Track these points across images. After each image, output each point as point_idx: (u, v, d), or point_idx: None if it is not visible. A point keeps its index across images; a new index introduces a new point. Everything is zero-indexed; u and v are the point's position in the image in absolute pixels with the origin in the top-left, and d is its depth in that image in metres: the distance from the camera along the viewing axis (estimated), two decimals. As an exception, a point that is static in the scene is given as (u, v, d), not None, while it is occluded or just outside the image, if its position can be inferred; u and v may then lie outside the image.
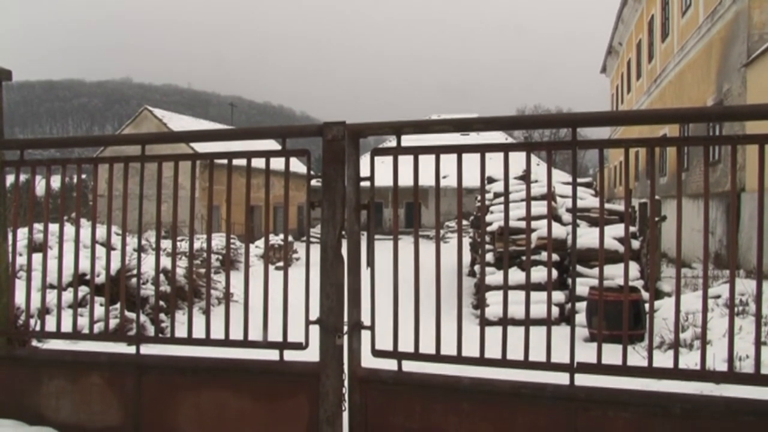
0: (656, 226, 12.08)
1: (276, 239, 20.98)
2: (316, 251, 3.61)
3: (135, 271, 7.43)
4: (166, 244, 9.51)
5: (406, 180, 3.62)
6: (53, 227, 5.63)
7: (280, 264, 15.78)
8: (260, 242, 20.71)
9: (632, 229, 11.65)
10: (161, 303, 8.37)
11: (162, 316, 8.51)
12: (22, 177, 4.96)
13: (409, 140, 3.45)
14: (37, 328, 4.84)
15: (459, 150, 3.50)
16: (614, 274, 9.60)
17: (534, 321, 3.52)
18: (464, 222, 21.58)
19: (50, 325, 4.65)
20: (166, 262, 7.65)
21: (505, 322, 3.50)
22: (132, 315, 7.29)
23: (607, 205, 13.25)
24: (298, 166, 26.88)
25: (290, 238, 19.55)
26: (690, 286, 11.43)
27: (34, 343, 5.99)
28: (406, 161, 3.61)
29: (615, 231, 11.44)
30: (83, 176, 4.95)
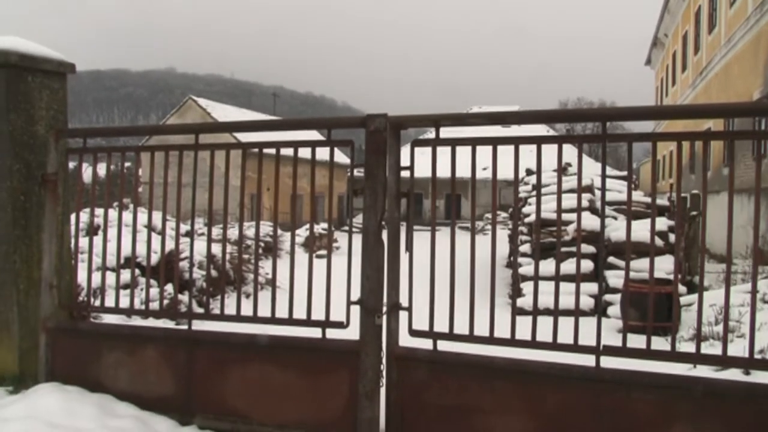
0: (694, 220, 12.05)
1: (317, 228, 21.34)
2: (355, 239, 3.85)
3: (184, 255, 7.77)
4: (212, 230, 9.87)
5: (446, 171, 3.82)
6: (110, 212, 5.99)
7: (320, 252, 16.10)
8: (301, 230, 21.11)
9: (670, 222, 11.65)
10: (207, 286, 8.73)
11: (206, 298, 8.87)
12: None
13: (449, 132, 3.64)
14: (97, 304, 5.19)
15: (494, 142, 3.68)
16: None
17: (568, 311, 3.68)
18: (504, 214, 21.64)
19: (108, 302, 4.98)
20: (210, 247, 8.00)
21: (535, 306, 3.68)
22: (181, 296, 7.66)
23: (644, 199, 13.24)
24: (337, 156, 27.19)
25: (325, 227, 19.86)
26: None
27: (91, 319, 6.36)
28: (447, 153, 3.81)
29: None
30: (128, 164, 5.27)
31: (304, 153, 4.10)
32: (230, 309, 4.47)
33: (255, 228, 4.39)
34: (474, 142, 3.71)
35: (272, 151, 4.18)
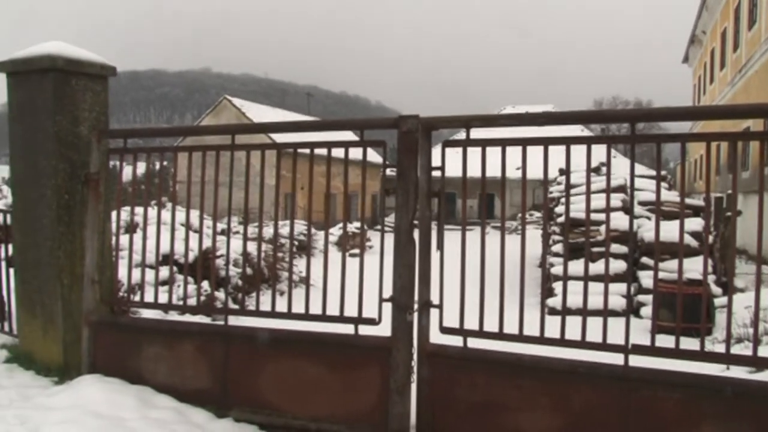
0: (730, 221, 11.89)
1: (350, 227, 21.49)
2: (386, 238, 3.94)
3: (219, 253, 7.94)
4: (242, 228, 10.07)
5: (478, 171, 3.88)
6: (148, 210, 6.16)
7: (353, 251, 16.23)
8: (333, 229, 21.26)
9: (704, 222, 11.53)
10: (242, 283, 8.90)
11: (241, 295, 9.05)
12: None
13: (479, 133, 3.70)
14: (136, 299, 5.36)
15: (523, 143, 3.74)
16: (685, 268, 9.56)
17: (598, 311, 3.70)
18: (537, 213, 21.55)
19: (145, 298, 5.14)
20: (246, 245, 8.19)
21: (564, 304, 3.74)
22: (217, 293, 7.83)
23: (678, 199, 13.10)
24: (369, 155, 27.31)
25: (358, 226, 20.00)
26: (766, 282, 11.24)
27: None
28: (479, 153, 3.88)
29: (687, 225, 11.34)
30: (164, 163, 5.42)
31: (338, 152, 4.21)
32: (265, 306, 4.59)
33: (289, 227, 4.50)
34: (504, 143, 3.77)
35: (306, 150, 4.29)
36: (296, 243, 18.25)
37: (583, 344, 3.66)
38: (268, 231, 11.05)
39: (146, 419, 4.25)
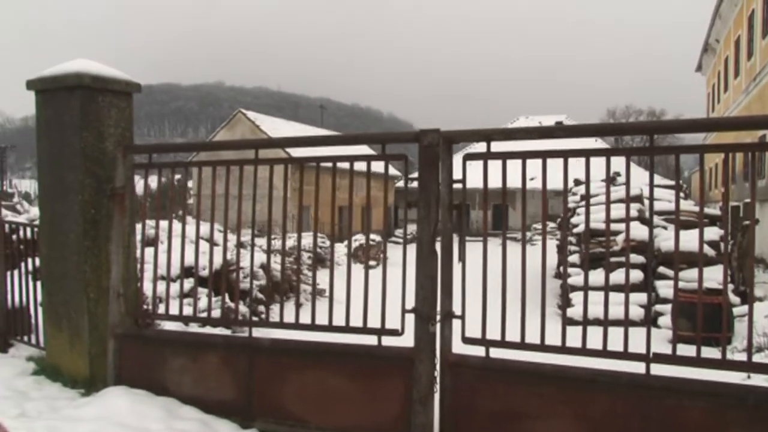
0: (747, 230, 11.86)
1: (363, 238, 21.55)
2: (407, 249, 3.99)
3: (239, 266, 8.03)
4: (262, 241, 10.19)
5: (494, 183, 3.94)
6: (164, 223, 6.25)
7: (372, 263, 16.25)
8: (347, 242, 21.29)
9: (722, 232, 11.49)
10: (261, 296, 8.99)
11: (261, 307, 9.14)
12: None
13: (496, 146, 3.77)
14: (160, 312, 5.45)
15: (543, 155, 3.79)
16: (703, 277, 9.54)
17: (617, 322, 3.74)
18: (551, 224, 21.51)
19: (168, 310, 5.23)
20: (264, 258, 8.30)
21: (585, 313, 3.78)
22: (233, 304, 7.92)
23: (694, 208, 13.08)
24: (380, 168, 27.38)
25: (378, 238, 20.11)
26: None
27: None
28: (493, 165, 3.94)
29: (704, 234, 11.30)
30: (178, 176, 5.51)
31: (344, 165, 4.27)
32: (287, 318, 4.65)
33: (313, 239, 4.58)
34: (524, 156, 3.83)
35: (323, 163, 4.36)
36: (313, 255, 18.36)
37: (604, 353, 3.70)
38: (287, 243, 11.14)
39: (172, 430, 4.32)
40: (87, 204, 5.10)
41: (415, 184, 4.06)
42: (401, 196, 4.11)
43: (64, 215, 5.18)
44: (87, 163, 5.09)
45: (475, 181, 4.02)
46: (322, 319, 4.44)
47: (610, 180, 3.67)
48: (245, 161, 4.52)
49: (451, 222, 4.04)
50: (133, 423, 4.30)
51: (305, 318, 4.53)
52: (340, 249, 17.94)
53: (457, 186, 4.07)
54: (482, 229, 4.00)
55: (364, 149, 6.19)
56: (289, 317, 4.60)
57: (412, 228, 4.13)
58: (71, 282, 5.17)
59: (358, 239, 19.13)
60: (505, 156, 3.87)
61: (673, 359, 3.60)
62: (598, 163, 3.87)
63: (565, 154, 3.76)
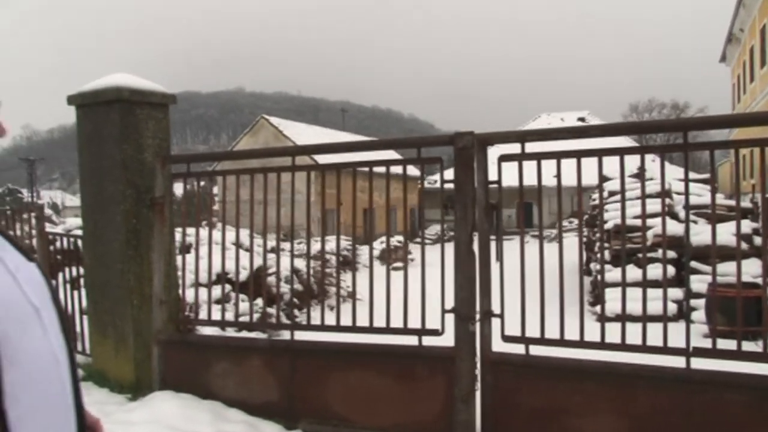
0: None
1: (393, 240, 21.64)
2: (434, 249, 4.07)
3: (279, 270, 8.16)
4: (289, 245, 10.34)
5: (523, 181, 4.01)
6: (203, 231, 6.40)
7: (397, 264, 16.35)
8: (375, 243, 21.42)
9: (754, 225, 11.41)
10: (295, 300, 9.12)
11: (295, 311, 9.28)
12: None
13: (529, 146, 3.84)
14: (202, 317, 5.58)
15: (578, 155, 3.85)
16: (735, 271, 9.49)
17: (651, 317, 3.80)
18: (575, 220, 21.46)
19: (204, 316, 5.34)
20: (298, 262, 8.44)
21: (623, 309, 3.82)
22: (269, 308, 8.04)
23: (726, 202, 12.98)
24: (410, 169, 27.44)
25: (402, 239, 20.13)
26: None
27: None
28: (524, 165, 4.01)
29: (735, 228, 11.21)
30: (201, 184, 5.63)
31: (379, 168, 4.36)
32: (322, 320, 4.76)
33: (352, 243, 4.67)
34: (558, 156, 3.89)
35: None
36: (341, 258, 18.50)
37: (644, 348, 3.74)
38: (315, 247, 11.26)
39: (221, 432, 4.43)
40: (128, 214, 5.24)
41: (432, 185, 4.13)
42: (424, 197, 4.17)
43: (107, 225, 5.32)
44: (127, 174, 5.23)
45: (506, 180, 4.10)
46: (355, 322, 4.54)
47: (636, 175, 3.72)
48: (283, 168, 4.63)
49: (488, 222, 4.11)
50: (182, 426, 4.42)
51: (342, 321, 4.63)
52: (367, 251, 17.93)
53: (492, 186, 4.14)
54: (517, 226, 4.07)
55: (391, 154, 6.28)
56: (339, 319, 4.71)
57: (436, 229, 4.20)
58: (115, 290, 5.31)
59: (383, 241, 19.27)
60: (539, 156, 3.94)
61: (713, 353, 3.63)
62: (624, 164, 3.90)
63: (600, 153, 3.82)
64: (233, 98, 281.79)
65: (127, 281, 5.25)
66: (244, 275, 8.20)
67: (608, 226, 13.21)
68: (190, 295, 6.10)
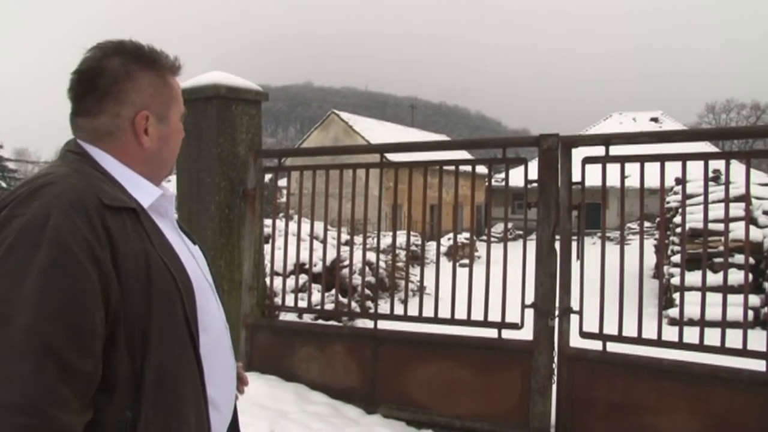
0: None
1: (460, 237, 21.78)
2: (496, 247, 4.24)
3: (365, 262, 8.43)
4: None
5: (594, 182, 4.13)
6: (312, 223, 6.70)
7: (464, 261, 16.47)
8: (442, 240, 21.54)
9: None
10: (367, 291, 9.39)
11: (369, 302, 9.56)
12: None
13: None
14: (284, 304, 5.88)
15: (662, 159, 3.94)
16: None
17: (728, 323, 3.84)
18: (649, 224, 21.13)
19: (295, 302, 5.64)
20: (369, 255, 8.71)
21: (702, 310, 3.90)
22: (343, 299, 8.33)
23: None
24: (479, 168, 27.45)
25: (467, 236, 20.21)
26: None
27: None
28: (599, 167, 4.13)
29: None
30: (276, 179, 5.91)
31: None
32: (397, 311, 4.99)
33: (454, 238, 4.87)
34: (642, 159, 4.00)
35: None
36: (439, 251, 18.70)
37: (722, 350, 3.82)
38: (386, 241, 11.50)
39: (305, 413, 4.70)
40: (222, 204, 5.57)
41: (499, 185, 4.28)
42: (492, 195, 4.32)
43: (202, 214, 5.66)
44: (222, 166, 5.55)
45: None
46: (437, 313, 4.74)
47: (713, 179, 3.79)
48: (372, 164, 4.86)
49: (570, 222, 4.24)
50: (270, 405, 4.71)
51: (415, 311, 4.85)
52: (434, 247, 18.12)
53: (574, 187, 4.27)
54: (601, 226, 4.19)
55: (463, 154, 6.44)
56: (399, 311, 4.94)
57: (500, 228, 4.36)
58: (209, 276, 5.64)
59: (450, 238, 19.45)
60: (623, 159, 4.05)
61: (795, 357, 3.68)
62: (708, 169, 3.98)
63: (684, 158, 3.90)
64: (301, 92, 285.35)
65: (218, 267, 5.57)
66: (319, 266, 8.53)
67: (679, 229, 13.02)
68: (275, 283, 6.42)
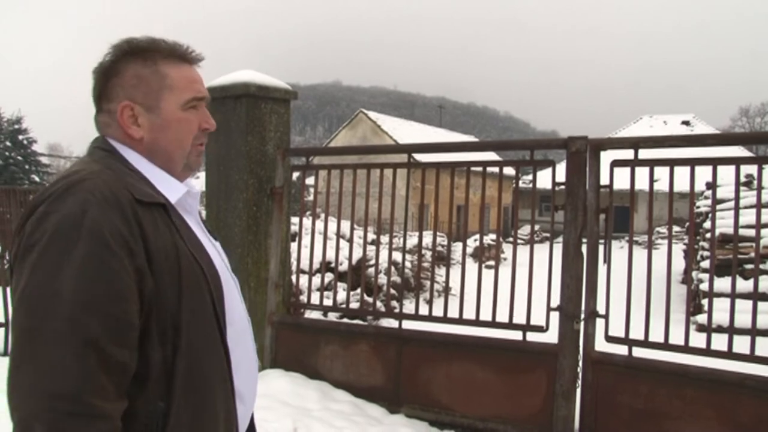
0: None
1: (486, 239, 21.72)
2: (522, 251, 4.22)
3: (393, 262, 8.44)
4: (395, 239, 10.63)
5: (623, 185, 4.10)
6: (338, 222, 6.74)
7: (489, 263, 16.43)
8: (469, 241, 21.51)
9: None
10: (393, 291, 9.42)
11: (394, 302, 9.59)
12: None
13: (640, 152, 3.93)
14: (309, 302, 5.92)
15: (692, 163, 3.90)
16: None
17: (746, 330, 3.78)
18: (678, 228, 20.89)
19: (320, 300, 5.66)
20: (395, 255, 8.73)
21: (732, 319, 3.85)
22: (368, 298, 8.35)
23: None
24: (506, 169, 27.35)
25: (493, 238, 20.14)
26: None
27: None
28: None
29: None
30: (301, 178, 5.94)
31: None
32: (421, 312, 4.99)
33: (480, 239, 4.87)
34: (671, 163, 3.96)
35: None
36: (462, 253, 18.73)
37: (752, 358, 3.77)
38: (412, 242, 11.49)
39: (329, 410, 4.73)
40: (250, 202, 5.61)
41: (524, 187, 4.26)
42: (519, 197, 4.31)
43: (230, 211, 5.71)
44: (251, 164, 5.60)
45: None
46: (462, 314, 4.74)
47: (745, 184, 3.74)
48: (400, 164, 4.87)
49: (598, 225, 4.22)
50: (293, 402, 4.74)
51: (440, 312, 4.85)
52: (459, 248, 18.22)
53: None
54: (629, 230, 4.16)
55: (491, 155, 6.42)
56: (424, 311, 4.95)
57: (526, 230, 4.34)
58: (234, 273, 5.69)
59: (477, 239, 19.43)
60: (653, 163, 4.01)
61: (824, 366, 3.62)
62: (740, 174, 3.93)
63: (714, 162, 3.86)
64: (330, 91, 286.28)
65: (245, 265, 5.62)
66: (345, 265, 8.56)
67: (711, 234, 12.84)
68: (301, 280, 6.46)
